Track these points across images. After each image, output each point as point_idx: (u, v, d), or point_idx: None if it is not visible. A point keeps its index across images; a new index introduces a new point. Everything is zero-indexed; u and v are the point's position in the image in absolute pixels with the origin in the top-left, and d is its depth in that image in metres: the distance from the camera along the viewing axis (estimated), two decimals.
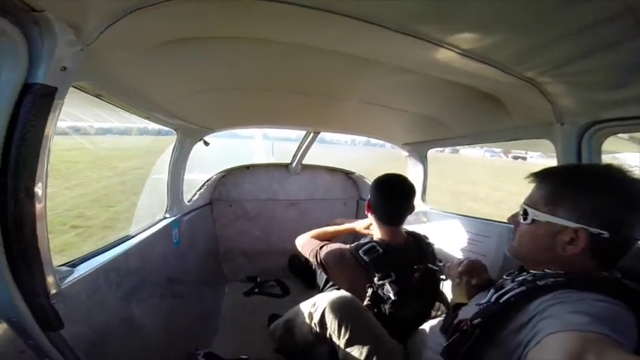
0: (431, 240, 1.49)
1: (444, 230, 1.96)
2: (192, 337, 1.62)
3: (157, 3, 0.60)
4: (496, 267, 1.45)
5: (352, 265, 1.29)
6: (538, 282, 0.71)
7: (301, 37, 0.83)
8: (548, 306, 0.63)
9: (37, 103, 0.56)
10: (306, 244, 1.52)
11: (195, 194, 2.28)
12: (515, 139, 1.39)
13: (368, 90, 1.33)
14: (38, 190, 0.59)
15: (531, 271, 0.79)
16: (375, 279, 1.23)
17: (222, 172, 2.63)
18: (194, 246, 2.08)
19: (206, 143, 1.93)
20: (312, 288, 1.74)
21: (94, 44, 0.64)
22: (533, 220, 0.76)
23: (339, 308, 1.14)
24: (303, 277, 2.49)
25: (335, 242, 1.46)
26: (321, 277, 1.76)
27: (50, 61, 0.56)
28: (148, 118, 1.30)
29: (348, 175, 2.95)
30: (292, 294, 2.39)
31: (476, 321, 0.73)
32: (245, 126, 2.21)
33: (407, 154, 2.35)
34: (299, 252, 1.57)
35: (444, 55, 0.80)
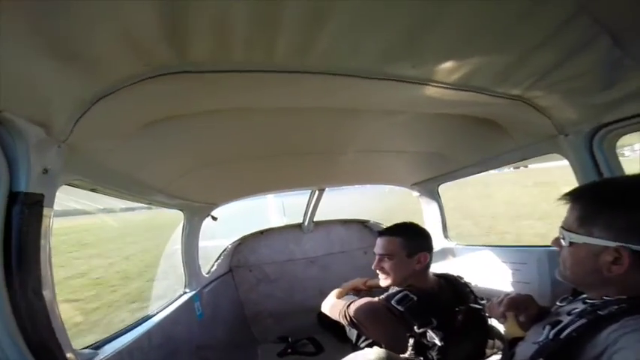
0: (465, 278, 1.39)
1: (475, 265, 1.84)
2: None
3: (123, 87, 0.59)
4: (546, 293, 1.37)
5: (386, 318, 1.19)
6: (600, 312, 0.65)
7: (283, 100, 0.86)
8: (618, 336, 0.58)
9: (25, 213, 0.55)
10: (333, 306, 1.45)
11: (213, 265, 2.27)
12: (523, 159, 1.36)
13: (364, 138, 1.35)
14: (46, 289, 0.61)
15: (588, 300, 0.74)
16: (415, 327, 1.13)
17: (237, 240, 2.64)
18: (219, 314, 2.04)
19: (214, 218, 1.97)
20: (345, 341, 1.66)
21: (71, 139, 0.62)
22: (571, 243, 0.73)
23: None
24: (335, 332, 2.31)
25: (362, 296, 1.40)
26: (352, 332, 1.63)
27: (29, 165, 0.55)
28: (150, 202, 1.33)
29: (363, 224, 2.90)
30: (327, 350, 2.30)
31: None
32: (249, 196, 2.23)
33: (417, 194, 2.32)
34: None
35: (425, 91, 0.81)
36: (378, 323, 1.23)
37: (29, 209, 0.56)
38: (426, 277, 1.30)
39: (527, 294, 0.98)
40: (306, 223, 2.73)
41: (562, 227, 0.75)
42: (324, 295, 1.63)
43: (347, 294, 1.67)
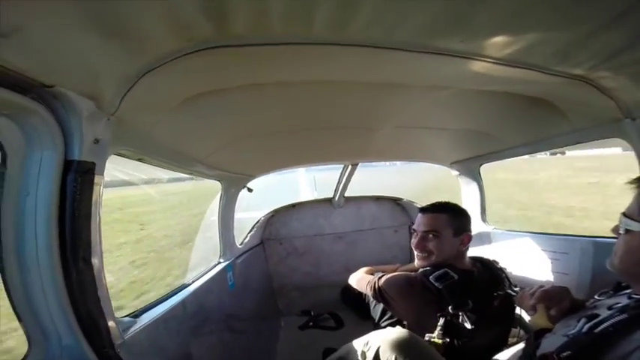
0: (501, 264, 1.35)
1: (512, 251, 1.77)
2: None
3: (166, 62, 0.60)
4: (584, 286, 1.32)
5: (421, 293, 1.17)
6: None
7: (321, 73, 0.83)
8: None
9: (78, 181, 0.59)
10: (361, 279, 1.46)
11: (246, 236, 2.36)
12: (579, 143, 1.24)
13: (403, 114, 1.29)
14: (95, 257, 0.65)
15: (634, 295, 0.70)
16: (450, 308, 1.10)
17: (270, 212, 2.71)
18: (249, 285, 2.13)
19: (249, 190, 2.02)
20: (366, 318, 1.70)
21: (119, 111, 0.65)
22: (627, 231, 0.69)
23: (396, 347, 1.02)
24: (356, 308, 2.38)
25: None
26: (376, 310, 1.66)
27: (81, 135, 0.58)
28: (191, 173, 1.39)
29: (396, 201, 2.84)
30: (347, 326, 2.34)
31: (565, 354, 0.65)
32: (284, 168, 2.26)
33: (457, 173, 2.20)
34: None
35: (475, 66, 0.74)
36: (410, 297, 1.20)
37: (82, 177, 0.60)
38: (465, 259, 1.27)
39: (563, 286, 0.94)
40: (336, 198, 2.71)
41: (623, 214, 0.71)
42: (349, 271, 1.65)
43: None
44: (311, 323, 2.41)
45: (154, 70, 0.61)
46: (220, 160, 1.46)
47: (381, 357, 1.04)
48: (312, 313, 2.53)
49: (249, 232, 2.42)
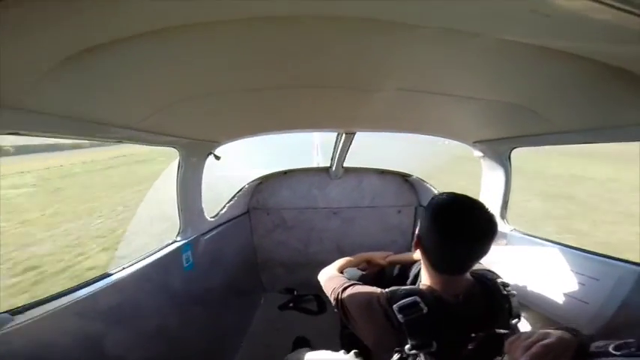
0: (512, 278, 1.08)
1: (529, 261, 1.43)
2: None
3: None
4: (602, 319, 1.11)
5: (381, 321, 0.93)
6: None
7: (295, 5, 0.53)
8: None
9: None
10: (329, 279, 1.20)
11: (223, 207, 2.12)
12: None
13: (413, 70, 0.89)
14: None
15: None
16: (407, 347, 0.86)
17: (257, 179, 2.45)
18: (223, 260, 1.95)
19: (217, 157, 1.71)
20: None
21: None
22: None
23: None
24: None
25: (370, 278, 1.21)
26: None
27: None
28: (123, 141, 1.09)
29: (404, 177, 2.47)
30: (329, 312, 2.23)
31: None
32: (259, 133, 1.86)
33: (480, 154, 1.75)
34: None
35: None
36: (369, 322, 0.99)
37: None
38: (457, 282, 0.94)
39: (571, 334, 0.69)
40: (333, 167, 2.37)
41: None
42: (341, 251, 1.43)
43: (356, 266, 1.40)
44: (291, 304, 2.33)
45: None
46: (163, 125, 1.16)
47: None
48: (296, 293, 2.44)
49: (227, 202, 2.18)
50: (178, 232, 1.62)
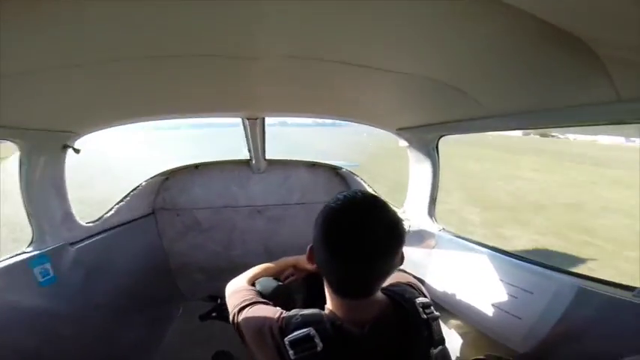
0: (440, 285, 1.00)
1: (457, 266, 1.32)
2: None
3: None
4: (535, 337, 1.02)
5: (271, 352, 0.79)
6: None
7: None
8: None
9: None
10: (232, 295, 1.01)
11: (110, 210, 1.69)
12: (622, 123, 0.73)
13: (302, 31, 0.68)
14: None
15: None
16: None
17: (163, 173, 2.03)
18: (117, 268, 1.69)
19: (76, 151, 1.32)
20: None
21: None
22: None
23: None
24: (276, 301, 1.98)
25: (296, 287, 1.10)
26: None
27: None
28: None
29: (335, 170, 2.27)
30: None
31: None
32: (130, 120, 1.45)
33: (406, 144, 1.58)
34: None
35: None
36: (260, 351, 0.86)
37: None
38: (364, 307, 0.77)
39: None
40: (254, 160, 2.04)
41: None
42: (270, 253, 1.15)
43: (277, 274, 1.16)
44: (214, 313, 1.98)
45: None
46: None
47: None
48: (219, 301, 2.09)
49: (116, 204, 1.73)
50: (30, 242, 1.31)
